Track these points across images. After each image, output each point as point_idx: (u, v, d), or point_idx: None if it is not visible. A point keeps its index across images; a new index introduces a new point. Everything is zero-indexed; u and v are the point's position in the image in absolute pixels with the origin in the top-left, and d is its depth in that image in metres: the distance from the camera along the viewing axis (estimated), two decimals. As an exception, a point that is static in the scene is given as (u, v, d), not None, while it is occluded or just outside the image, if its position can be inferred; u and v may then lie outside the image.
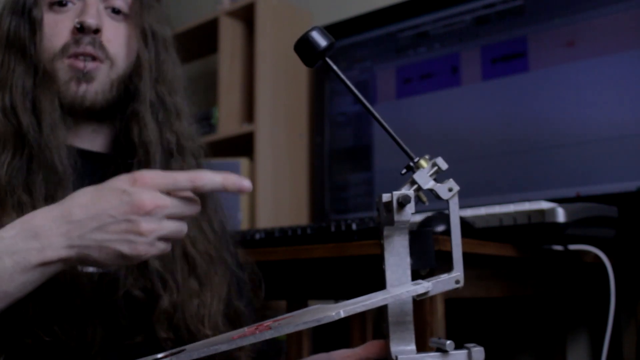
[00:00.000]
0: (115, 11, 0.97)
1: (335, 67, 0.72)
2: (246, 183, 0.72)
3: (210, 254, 0.97)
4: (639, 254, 1.48)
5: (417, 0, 1.85)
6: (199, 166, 1.02)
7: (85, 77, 0.93)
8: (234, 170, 2.13)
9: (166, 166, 0.96)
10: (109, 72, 0.95)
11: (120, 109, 0.99)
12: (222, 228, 1.04)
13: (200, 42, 2.45)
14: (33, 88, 0.91)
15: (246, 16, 2.31)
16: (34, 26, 0.93)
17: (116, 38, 0.96)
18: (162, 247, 0.73)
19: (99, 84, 0.94)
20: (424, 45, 1.83)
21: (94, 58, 0.93)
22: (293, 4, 2.32)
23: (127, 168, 0.94)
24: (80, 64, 0.92)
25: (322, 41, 0.71)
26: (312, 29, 0.71)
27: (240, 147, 2.27)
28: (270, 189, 2.14)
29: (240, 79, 2.38)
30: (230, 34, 2.35)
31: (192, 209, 0.73)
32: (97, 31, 0.93)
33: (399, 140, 0.70)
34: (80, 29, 0.92)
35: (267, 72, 2.18)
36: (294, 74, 2.23)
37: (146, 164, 0.94)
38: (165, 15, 1.03)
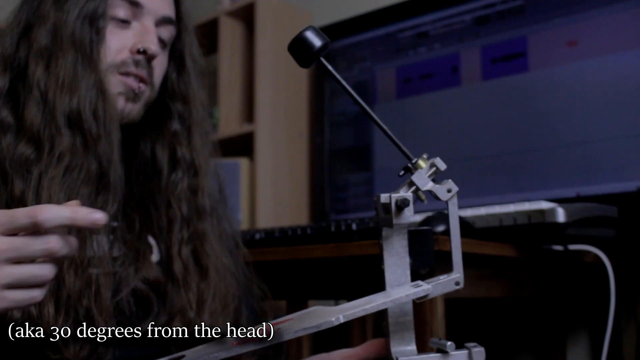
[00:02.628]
0: (161, 40, 1.01)
1: (330, 67, 0.71)
2: (98, 215, 0.65)
3: (219, 266, 1.00)
4: (639, 254, 1.48)
5: (417, 0, 1.85)
6: (220, 182, 1.09)
7: (135, 97, 0.97)
8: (234, 170, 2.13)
9: (191, 182, 1.01)
10: (149, 95, 1.00)
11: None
12: (234, 242, 1.07)
13: (200, 42, 2.45)
14: (97, 99, 0.92)
15: (246, 16, 2.31)
16: (100, 36, 0.94)
17: (161, 66, 1.01)
18: (19, 297, 0.65)
19: (140, 105, 0.99)
20: (424, 45, 1.83)
21: (142, 81, 0.98)
22: (293, 4, 2.32)
23: (156, 180, 1.00)
24: (134, 84, 0.97)
25: (316, 41, 0.70)
26: (306, 28, 0.70)
27: (240, 147, 2.27)
28: (270, 189, 2.14)
29: (240, 79, 2.38)
30: (230, 34, 2.35)
31: (48, 248, 0.64)
32: (152, 57, 0.97)
33: (395, 139, 0.69)
34: (142, 52, 0.96)
35: (267, 72, 2.18)
36: (294, 74, 2.23)
37: (177, 179, 1.00)
38: (197, 42, 1.11)
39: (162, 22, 1.00)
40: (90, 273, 0.85)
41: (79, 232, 0.85)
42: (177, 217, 0.99)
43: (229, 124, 2.32)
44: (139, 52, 0.96)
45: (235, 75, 2.37)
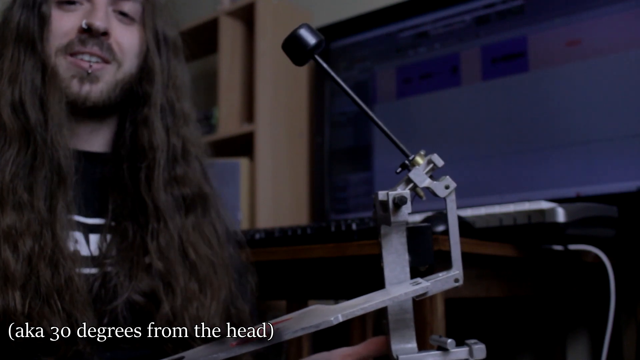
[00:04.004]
0: (124, 14, 0.98)
1: (324, 65, 0.70)
2: None
3: (211, 258, 0.98)
4: (639, 254, 1.48)
5: (417, 0, 1.85)
6: (203, 170, 1.03)
7: (89, 77, 0.93)
8: (234, 170, 2.13)
9: (172, 170, 0.98)
10: (115, 73, 0.96)
11: (121, 109, 0.99)
12: (225, 231, 1.05)
13: (200, 42, 2.45)
14: (42, 84, 0.91)
15: (246, 16, 2.31)
16: (43, 22, 0.93)
17: (123, 41, 0.97)
18: None
19: (104, 84, 0.95)
20: (424, 45, 1.83)
21: (101, 60, 0.94)
22: (293, 4, 2.32)
23: (135, 170, 0.96)
24: (84, 64, 0.93)
25: (310, 39, 0.69)
26: (300, 26, 0.69)
27: (240, 147, 2.27)
28: (270, 189, 2.14)
29: (240, 79, 2.38)
30: (230, 34, 2.35)
31: None
32: (104, 34, 0.94)
33: (392, 136, 0.69)
34: (88, 30, 0.93)
35: (267, 72, 2.18)
36: (294, 74, 2.23)
37: (152, 168, 0.95)
38: (174, 20, 1.04)
39: None
40: (64, 267, 0.84)
41: (51, 226, 0.85)
42: (152, 209, 0.95)
43: (229, 124, 2.31)
44: (84, 30, 0.93)
45: (235, 75, 2.37)
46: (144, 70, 0.99)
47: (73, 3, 0.95)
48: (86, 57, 0.94)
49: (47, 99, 0.90)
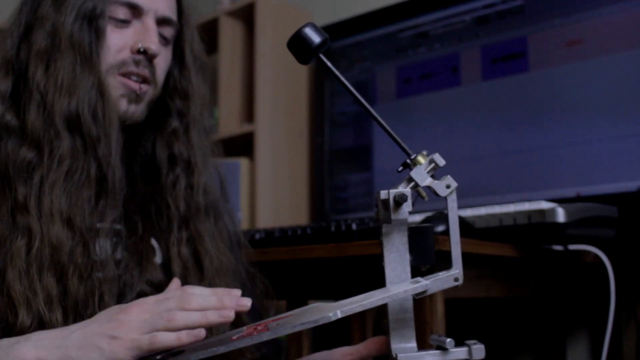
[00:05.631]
0: (163, 37, 1.00)
1: (329, 63, 0.71)
2: (243, 301, 0.72)
3: (222, 264, 1.00)
4: (639, 254, 1.48)
5: (417, 0, 1.85)
6: (221, 180, 1.08)
7: (137, 98, 0.96)
8: (234, 170, 2.13)
9: (191, 178, 1.01)
10: (152, 94, 0.99)
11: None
12: (234, 239, 1.07)
13: (201, 38, 2.45)
14: (96, 100, 0.91)
15: (246, 16, 2.31)
16: (99, 36, 0.93)
17: (163, 64, 1.00)
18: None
19: (144, 105, 0.98)
20: (424, 45, 1.83)
21: (145, 81, 0.96)
22: (293, 4, 2.32)
23: (155, 178, 1.00)
24: (135, 85, 0.95)
25: (315, 37, 0.69)
26: (305, 25, 0.70)
27: (240, 147, 2.27)
28: (270, 189, 2.14)
29: (240, 79, 2.38)
30: (230, 34, 2.35)
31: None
32: (154, 56, 0.96)
33: (394, 135, 0.69)
34: (143, 52, 0.95)
35: (267, 72, 2.18)
36: (294, 74, 2.23)
37: (176, 177, 0.99)
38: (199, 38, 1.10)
39: (163, 20, 0.99)
40: (94, 279, 0.85)
41: (82, 236, 0.85)
42: (175, 217, 0.98)
43: (229, 124, 2.31)
44: (139, 52, 0.95)
45: (235, 75, 2.37)
46: (181, 88, 1.03)
47: (125, 21, 0.96)
48: (134, 78, 0.95)
49: (103, 116, 0.91)
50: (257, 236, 1.32)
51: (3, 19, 1.03)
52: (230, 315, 0.71)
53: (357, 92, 0.71)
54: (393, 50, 1.89)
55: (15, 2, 0.99)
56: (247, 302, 0.72)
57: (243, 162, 2.17)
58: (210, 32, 2.35)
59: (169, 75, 1.03)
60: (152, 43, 0.95)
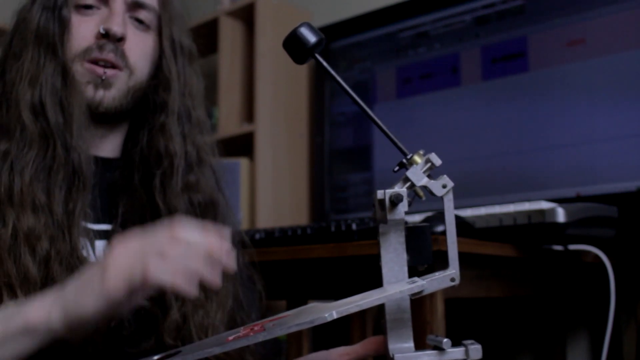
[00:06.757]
0: (139, 21, 0.98)
1: (324, 63, 0.71)
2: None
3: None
4: (639, 254, 1.48)
5: (417, 0, 1.85)
6: (216, 178, 1.04)
7: (103, 83, 0.94)
8: (234, 170, 2.13)
9: (186, 177, 0.98)
10: (127, 80, 0.96)
11: (133, 116, 1.00)
12: (234, 239, 1.05)
13: (200, 42, 2.45)
14: (62, 88, 0.91)
15: (246, 16, 2.31)
16: (63, 25, 0.93)
17: (138, 48, 0.97)
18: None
19: (116, 91, 0.95)
20: (424, 45, 1.83)
21: (114, 66, 0.94)
22: (293, 4, 2.32)
23: (149, 177, 0.97)
24: (99, 70, 0.93)
25: (311, 37, 0.69)
26: (301, 25, 0.70)
27: (240, 147, 2.27)
28: (270, 189, 2.14)
29: (240, 79, 2.38)
30: (230, 34, 2.35)
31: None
32: (120, 39, 0.94)
33: (390, 134, 0.69)
34: (105, 36, 0.93)
35: (267, 72, 2.18)
36: (294, 74, 2.23)
37: (170, 175, 0.96)
38: (187, 27, 1.05)
39: (135, 4, 0.96)
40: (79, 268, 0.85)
41: (58, 222, 0.85)
42: (174, 216, 0.95)
43: (229, 124, 2.31)
44: (102, 36, 0.93)
45: (235, 75, 2.37)
46: (161, 78, 0.99)
47: (91, 7, 0.95)
48: (101, 63, 0.94)
49: (67, 102, 0.90)
50: (257, 236, 1.32)
51: (3, 19, 1.04)
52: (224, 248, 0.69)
53: (357, 92, 0.71)
54: (393, 50, 1.89)
55: (16, 2, 0.99)
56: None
57: (243, 162, 2.17)
58: (210, 32, 2.36)
59: (161, 65, 0.99)
60: (115, 24, 0.93)
